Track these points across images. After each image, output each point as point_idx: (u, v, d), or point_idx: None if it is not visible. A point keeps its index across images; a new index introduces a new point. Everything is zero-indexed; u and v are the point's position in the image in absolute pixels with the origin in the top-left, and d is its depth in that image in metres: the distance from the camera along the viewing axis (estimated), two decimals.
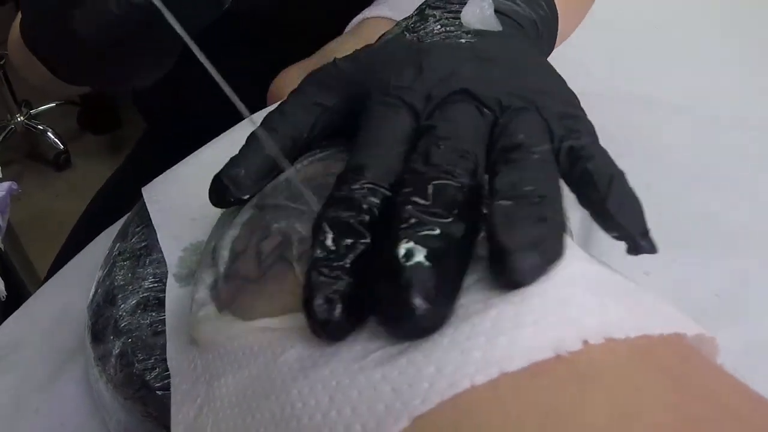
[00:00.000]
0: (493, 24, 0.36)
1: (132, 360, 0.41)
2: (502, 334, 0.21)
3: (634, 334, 0.21)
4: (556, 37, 0.46)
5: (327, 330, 0.24)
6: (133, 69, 0.42)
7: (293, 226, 0.31)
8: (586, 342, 0.21)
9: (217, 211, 0.43)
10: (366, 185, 0.28)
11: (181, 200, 0.48)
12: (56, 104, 2.49)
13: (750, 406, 0.21)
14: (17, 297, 0.63)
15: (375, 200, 0.27)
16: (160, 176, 0.52)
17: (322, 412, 0.22)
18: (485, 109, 0.31)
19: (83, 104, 2.46)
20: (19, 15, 0.45)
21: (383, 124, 0.31)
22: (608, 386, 0.20)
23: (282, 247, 0.31)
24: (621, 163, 0.66)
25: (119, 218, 0.57)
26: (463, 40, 0.35)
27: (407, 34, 0.37)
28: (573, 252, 0.26)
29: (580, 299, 0.22)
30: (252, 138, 0.35)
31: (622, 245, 0.58)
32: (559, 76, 0.37)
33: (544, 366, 0.20)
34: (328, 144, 0.38)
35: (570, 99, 0.34)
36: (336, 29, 0.67)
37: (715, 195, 0.64)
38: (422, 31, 0.36)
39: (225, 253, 0.34)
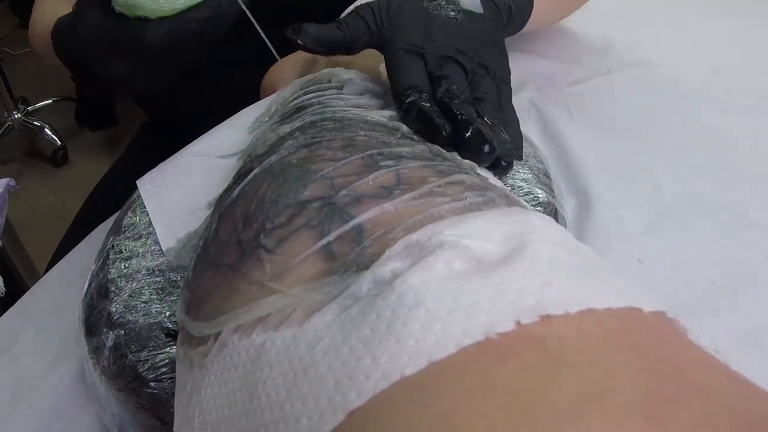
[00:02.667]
0: (477, 7, 0.51)
1: (125, 352, 0.41)
2: (436, 321, 0.21)
3: (574, 310, 0.21)
4: (526, 22, 0.60)
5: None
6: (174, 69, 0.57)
7: (268, 214, 0.31)
8: (518, 322, 0.21)
9: (212, 201, 0.43)
10: (422, 94, 0.44)
11: (176, 192, 0.48)
12: (53, 101, 2.48)
13: (721, 384, 0.21)
14: (15, 293, 0.63)
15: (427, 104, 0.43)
16: (155, 169, 0.52)
17: (280, 404, 0.23)
18: (465, 71, 0.47)
19: (80, 100, 2.46)
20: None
21: (409, 64, 0.47)
22: (578, 367, 0.19)
23: (259, 235, 0.31)
24: (618, 152, 0.67)
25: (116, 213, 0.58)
26: (452, 14, 0.50)
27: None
28: (536, 235, 0.25)
29: (520, 282, 0.22)
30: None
31: (615, 233, 0.58)
32: (506, 53, 0.53)
33: (512, 349, 0.20)
34: None
35: (507, 71, 0.51)
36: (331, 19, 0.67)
37: (713, 182, 0.64)
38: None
39: (201, 244, 0.35)
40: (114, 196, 0.62)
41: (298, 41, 0.47)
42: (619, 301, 0.23)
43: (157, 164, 0.53)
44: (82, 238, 0.62)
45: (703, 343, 0.24)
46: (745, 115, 0.72)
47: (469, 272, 0.23)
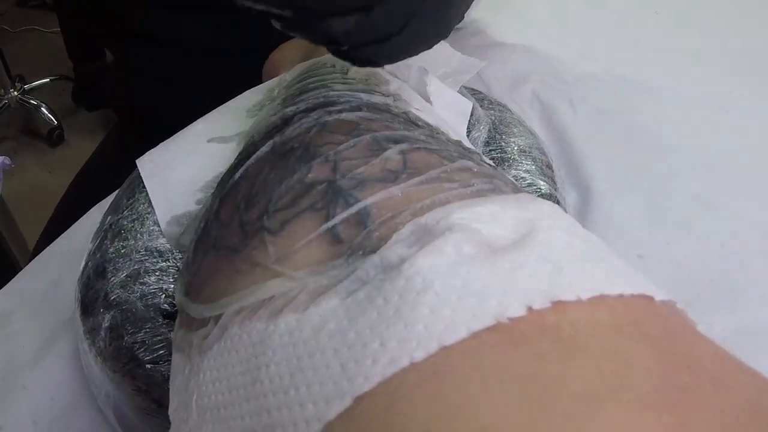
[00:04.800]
0: None
1: (121, 333, 0.40)
2: (446, 305, 0.21)
3: (586, 296, 0.21)
4: None
5: None
6: None
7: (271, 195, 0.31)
8: (529, 308, 0.20)
9: (208, 182, 0.43)
10: None
11: (176, 172, 0.47)
12: (50, 80, 2.46)
13: (733, 375, 0.20)
14: (9, 272, 0.63)
15: None
16: (155, 148, 0.51)
17: (284, 389, 0.22)
18: None
19: (77, 80, 2.44)
20: None
21: None
22: (594, 356, 0.19)
23: (262, 216, 0.30)
24: (620, 147, 0.66)
25: (107, 191, 0.57)
26: None
27: None
28: (546, 222, 0.25)
29: (531, 267, 0.22)
30: None
31: (615, 227, 0.58)
32: None
33: (526, 336, 0.20)
34: None
35: None
36: None
37: (712, 180, 0.64)
38: None
39: (202, 225, 0.34)
40: (104, 174, 0.62)
41: None
42: (630, 288, 0.22)
43: (148, 141, 0.52)
44: (72, 215, 0.62)
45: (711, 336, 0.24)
46: (747, 115, 0.72)
47: (479, 256, 0.23)
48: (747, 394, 0.19)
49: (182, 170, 0.47)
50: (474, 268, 0.22)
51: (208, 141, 0.48)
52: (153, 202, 0.45)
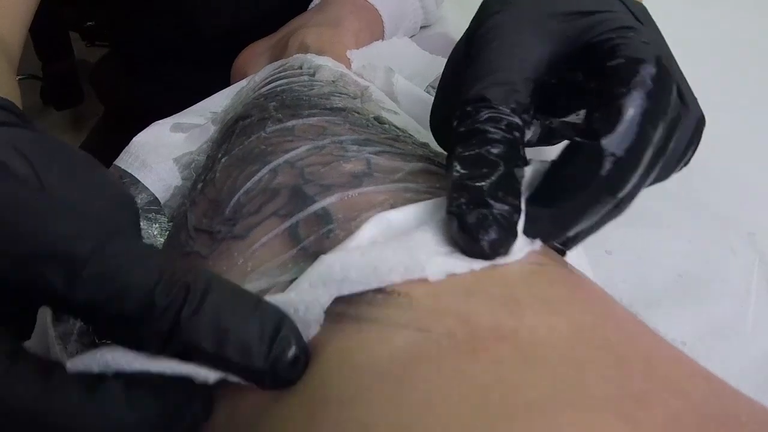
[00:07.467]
0: None
1: (93, 339, 0.40)
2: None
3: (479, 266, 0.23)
4: None
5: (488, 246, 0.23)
6: None
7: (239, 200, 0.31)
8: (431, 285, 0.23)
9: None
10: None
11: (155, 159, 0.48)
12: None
13: (690, 379, 0.21)
14: None
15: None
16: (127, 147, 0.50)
17: None
18: None
19: (46, 79, 2.41)
20: None
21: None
22: (549, 363, 0.20)
23: (228, 222, 0.31)
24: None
25: None
26: None
27: None
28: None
29: (426, 244, 0.24)
30: None
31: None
32: None
33: (485, 342, 0.20)
34: None
35: None
36: (301, 7, 0.66)
37: (683, 177, 0.64)
38: None
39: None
40: None
41: None
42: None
43: (124, 145, 0.51)
44: None
45: (669, 336, 0.25)
46: (719, 113, 0.72)
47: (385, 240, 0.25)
48: (701, 400, 0.20)
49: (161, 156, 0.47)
50: (380, 250, 0.24)
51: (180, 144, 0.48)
52: (141, 179, 0.45)
